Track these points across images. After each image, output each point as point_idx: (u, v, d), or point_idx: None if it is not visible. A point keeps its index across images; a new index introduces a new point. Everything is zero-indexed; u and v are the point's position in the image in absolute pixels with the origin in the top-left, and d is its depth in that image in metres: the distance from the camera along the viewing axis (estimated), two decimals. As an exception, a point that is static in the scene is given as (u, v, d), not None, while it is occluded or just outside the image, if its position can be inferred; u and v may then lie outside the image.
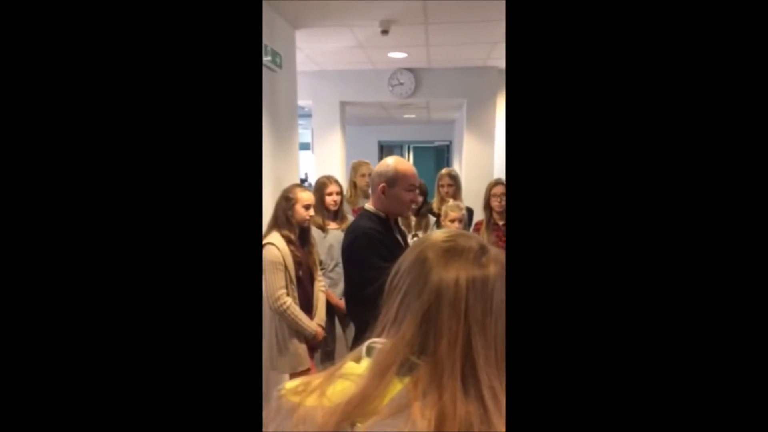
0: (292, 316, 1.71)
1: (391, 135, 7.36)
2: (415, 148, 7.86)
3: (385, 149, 7.58)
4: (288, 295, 1.72)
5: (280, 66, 2.42)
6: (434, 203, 2.58)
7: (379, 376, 0.41)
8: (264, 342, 1.86)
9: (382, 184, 1.37)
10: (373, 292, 1.27)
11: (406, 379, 0.40)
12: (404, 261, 0.49)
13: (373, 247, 1.30)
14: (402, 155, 7.95)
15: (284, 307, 1.70)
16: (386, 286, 0.50)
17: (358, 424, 0.39)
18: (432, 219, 2.46)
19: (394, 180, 1.37)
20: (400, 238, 1.48)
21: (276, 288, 1.69)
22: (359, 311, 1.31)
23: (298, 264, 1.78)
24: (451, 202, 2.31)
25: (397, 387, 0.40)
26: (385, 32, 2.66)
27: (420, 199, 2.33)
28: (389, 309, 0.47)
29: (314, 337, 1.79)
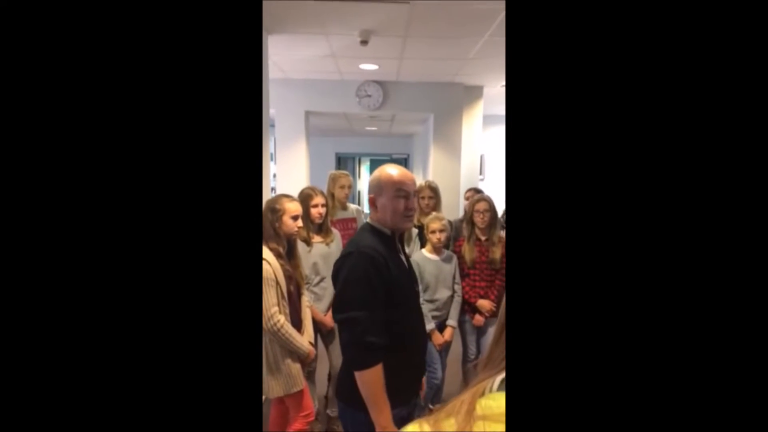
0: (286, 335, 1.58)
1: (348, 147, 7.32)
2: (371, 161, 7.87)
3: (342, 161, 7.51)
4: (280, 312, 1.59)
5: (257, 70, 2.30)
6: (414, 216, 2.55)
7: None
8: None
9: (371, 195, 1.25)
10: (362, 317, 1.13)
11: None
12: None
13: (367, 271, 1.13)
14: (355, 168, 7.94)
15: (278, 326, 1.57)
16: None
17: None
18: (414, 231, 2.43)
19: (381, 187, 1.22)
20: (404, 258, 1.31)
21: (268, 306, 1.56)
22: (347, 334, 1.16)
23: (288, 279, 1.65)
24: (433, 214, 2.30)
25: None
26: (364, 42, 2.63)
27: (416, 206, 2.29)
28: None
29: (307, 356, 1.67)
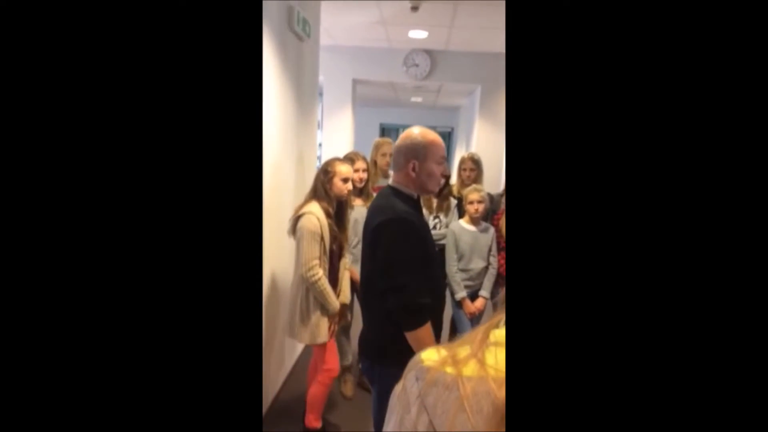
0: (321, 288, 1.70)
1: (394, 118, 7.30)
2: (415, 133, 7.81)
3: (386, 131, 7.53)
4: (320, 266, 1.71)
5: (309, 35, 2.35)
6: (455, 187, 2.57)
7: None
8: (288, 309, 1.85)
9: (413, 162, 1.22)
10: (411, 282, 1.15)
11: None
12: None
13: (408, 237, 1.17)
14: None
15: (316, 278, 1.68)
16: None
17: None
18: (453, 201, 2.46)
19: (425, 154, 1.22)
20: (425, 220, 1.36)
21: (311, 257, 1.67)
22: (373, 299, 1.22)
23: (333, 238, 1.75)
24: (472, 186, 2.31)
25: None
26: (415, 8, 2.60)
27: (449, 171, 2.32)
28: None
29: (335, 314, 1.78)
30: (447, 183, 2.44)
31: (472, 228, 2.23)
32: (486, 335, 0.43)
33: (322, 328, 1.75)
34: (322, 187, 1.74)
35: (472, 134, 4.30)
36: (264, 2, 1.81)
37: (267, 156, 1.90)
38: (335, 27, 3.42)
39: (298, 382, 2.33)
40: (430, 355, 0.44)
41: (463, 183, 2.52)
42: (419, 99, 5.95)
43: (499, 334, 0.43)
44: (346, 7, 2.90)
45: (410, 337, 1.16)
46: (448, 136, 7.31)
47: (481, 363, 0.40)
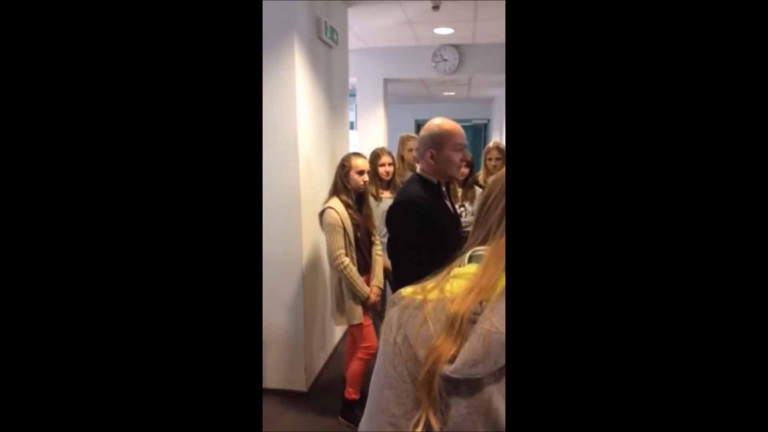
0: (348, 274, 1.86)
1: (428, 113, 7.33)
2: (451, 127, 7.83)
3: (421, 127, 7.61)
4: (347, 255, 1.87)
5: (336, 42, 2.53)
6: (480, 176, 2.66)
7: (492, 271, 0.53)
8: (328, 296, 2.03)
9: (430, 150, 1.36)
10: (411, 255, 1.34)
11: None
12: (494, 188, 0.59)
13: (413, 216, 1.32)
14: (438, 134, 7.96)
15: (343, 266, 1.85)
16: (479, 208, 0.61)
17: (485, 303, 0.51)
18: (478, 190, 2.55)
19: (440, 142, 1.35)
20: (449, 204, 1.48)
21: (336, 248, 1.84)
22: (400, 270, 1.43)
23: (356, 227, 1.91)
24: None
25: (503, 279, 0.52)
26: (436, 8, 2.71)
27: (470, 157, 2.43)
28: (487, 225, 0.58)
29: (367, 298, 1.93)
30: (471, 172, 2.54)
31: (497, 215, 2.31)
32: (449, 272, 0.58)
33: (356, 311, 1.91)
34: (341, 181, 1.90)
35: (504, 125, 4.32)
36: (294, 15, 2.01)
37: (301, 155, 2.11)
38: (365, 31, 3.59)
39: (339, 361, 2.53)
40: (405, 289, 0.58)
41: (489, 172, 2.61)
42: (452, 93, 6.00)
43: (458, 270, 0.57)
44: (371, 12, 3.06)
45: None
46: (484, 128, 7.28)
47: (441, 290, 0.53)
